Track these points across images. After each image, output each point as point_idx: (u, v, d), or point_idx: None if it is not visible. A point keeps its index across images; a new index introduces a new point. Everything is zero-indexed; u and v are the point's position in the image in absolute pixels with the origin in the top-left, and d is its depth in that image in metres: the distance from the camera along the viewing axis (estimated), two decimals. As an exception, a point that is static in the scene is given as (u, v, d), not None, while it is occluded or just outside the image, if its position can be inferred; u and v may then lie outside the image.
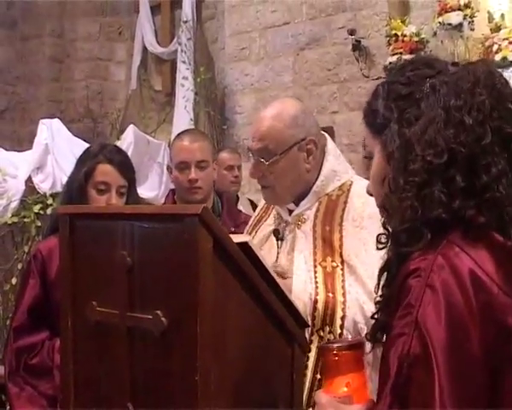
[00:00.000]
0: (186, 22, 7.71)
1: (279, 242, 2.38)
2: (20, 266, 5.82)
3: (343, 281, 2.24)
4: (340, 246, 2.28)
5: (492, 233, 1.33)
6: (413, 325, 1.28)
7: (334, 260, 2.27)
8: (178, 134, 3.40)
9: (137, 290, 1.80)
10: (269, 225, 2.48)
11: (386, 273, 1.45)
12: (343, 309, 2.20)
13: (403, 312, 1.31)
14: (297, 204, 2.40)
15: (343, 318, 2.20)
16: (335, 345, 1.60)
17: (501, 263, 1.32)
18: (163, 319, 1.71)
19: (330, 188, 2.39)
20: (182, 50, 7.65)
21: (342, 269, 2.26)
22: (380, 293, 1.47)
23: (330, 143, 2.48)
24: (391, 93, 1.52)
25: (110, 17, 8.89)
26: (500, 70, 1.46)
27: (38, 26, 8.76)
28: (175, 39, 8.01)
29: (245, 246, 1.81)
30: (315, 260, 2.29)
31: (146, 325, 1.75)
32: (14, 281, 5.84)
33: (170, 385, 1.72)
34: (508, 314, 1.29)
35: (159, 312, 1.71)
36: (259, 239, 2.46)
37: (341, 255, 2.27)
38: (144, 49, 8.42)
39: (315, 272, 2.28)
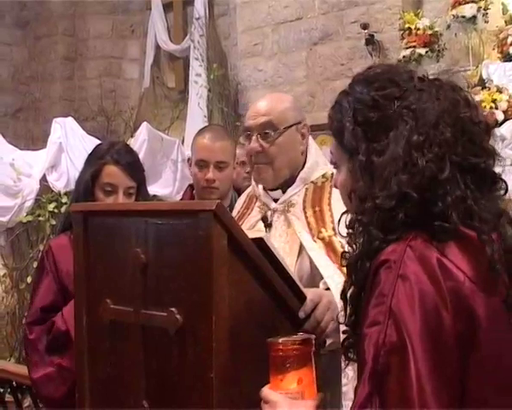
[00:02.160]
0: (198, 19, 7.70)
1: (267, 228, 2.44)
2: (35, 264, 5.82)
3: (342, 247, 2.26)
4: (332, 221, 2.35)
5: (458, 226, 1.38)
6: (387, 314, 1.32)
7: (327, 231, 2.34)
8: (201, 130, 3.36)
9: (152, 288, 1.80)
10: (253, 216, 2.53)
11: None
12: None
13: (376, 301, 1.35)
14: (284, 191, 2.47)
15: None
16: (285, 339, 1.59)
17: (467, 252, 1.37)
18: (178, 316, 1.70)
19: (314, 176, 2.48)
20: (194, 47, 7.65)
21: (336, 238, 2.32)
22: (347, 322, 1.52)
23: (310, 138, 2.58)
24: (357, 115, 1.50)
25: (122, 15, 8.90)
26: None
27: (51, 26, 8.78)
28: (187, 36, 8.01)
29: (260, 242, 1.79)
30: (313, 236, 2.35)
31: (161, 322, 1.74)
32: (29, 280, 5.86)
33: (185, 383, 1.71)
34: (474, 301, 1.33)
35: (173, 309, 1.70)
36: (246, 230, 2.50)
37: (334, 229, 2.32)
38: (157, 46, 8.42)
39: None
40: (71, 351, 2.57)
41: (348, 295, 1.52)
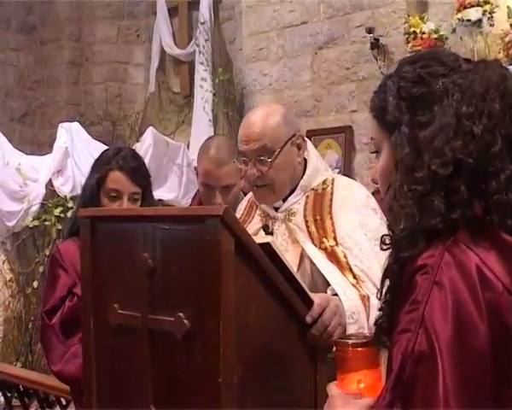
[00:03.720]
0: (203, 23, 7.70)
1: (269, 236, 2.41)
2: (41, 269, 5.85)
3: (345, 256, 2.28)
4: (333, 230, 2.34)
5: (499, 232, 1.33)
6: (419, 322, 1.27)
7: (329, 241, 2.33)
8: (206, 145, 3.15)
9: (159, 293, 1.80)
10: (255, 224, 2.53)
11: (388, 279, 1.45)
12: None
13: (409, 308, 1.31)
14: (284, 200, 2.47)
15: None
16: (350, 341, 1.59)
17: (506, 261, 1.32)
18: (185, 321, 1.70)
19: (315, 183, 2.47)
20: (200, 52, 7.65)
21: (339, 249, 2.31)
22: (383, 299, 1.47)
23: (310, 144, 2.56)
24: (401, 91, 1.48)
25: (128, 20, 8.91)
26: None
27: (57, 31, 8.80)
28: (193, 41, 8.01)
29: (267, 247, 1.80)
30: (315, 246, 2.34)
31: (168, 327, 1.75)
32: (35, 284, 5.88)
33: (192, 387, 1.71)
34: (511, 314, 1.28)
35: (181, 314, 1.71)
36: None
37: (335, 239, 2.32)
38: (162, 51, 8.42)
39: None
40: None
41: (385, 289, 1.46)
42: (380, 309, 1.49)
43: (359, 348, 1.56)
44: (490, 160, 1.33)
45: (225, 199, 3.02)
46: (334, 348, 1.64)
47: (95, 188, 2.75)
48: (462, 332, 1.25)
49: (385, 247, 1.47)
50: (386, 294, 1.45)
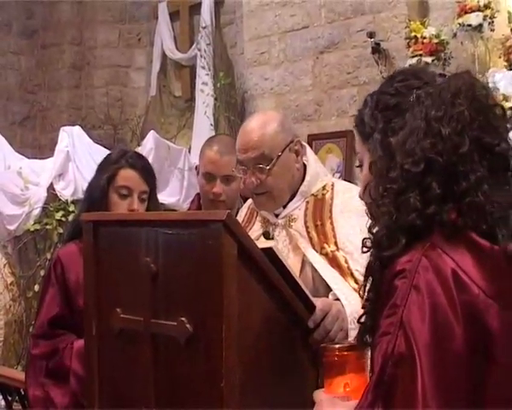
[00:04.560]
0: (205, 28, 7.71)
1: (271, 241, 2.42)
2: (42, 272, 5.85)
3: (346, 261, 2.29)
4: (334, 235, 2.35)
5: (473, 236, 1.37)
6: (398, 325, 1.31)
7: (330, 246, 2.33)
8: (210, 140, 3.30)
9: (162, 297, 1.80)
10: (255, 230, 2.53)
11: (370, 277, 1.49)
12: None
13: (388, 312, 1.35)
14: (284, 206, 2.47)
15: None
16: (337, 345, 1.63)
17: (481, 265, 1.35)
18: (188, 325, 1.70)
19: (315, 188, 2.48)
20: (201, 56, 7.66)
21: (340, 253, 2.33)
22: (365, 296, 1.50)
23: (308, 149, 2.57)
24: (379, 103, 1.59)
25: (129, 24, 8.92)
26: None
27: (58, 35, 8.81)
28: (194, 45, 8.02)
29: (269, 251, 1.80)
30: (316, 252, 2.35)
31: (170, 331, 1.75)
32: (36, 288, 5.88)
33: (195, 392, 1.72)
34: (488, 315, 1.32)
35: (183, 318, 1.71)
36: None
37: (336, 244, 2.33)
38: (163, 55, 8.43)
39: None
40: (65, 387, 2.59)
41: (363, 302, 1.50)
42: (362, 307, 1.53)
43: (345, 352, 1.59)
44: (459, 160, 1.38)
45: (225, 190, 3.06)
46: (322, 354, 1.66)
47: (105, 187, 2.73)
48: (439, 334, 1.29)
49: (365, 249, 1.52)
50: (368, 292, 1.49)
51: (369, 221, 1.53)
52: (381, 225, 1.45)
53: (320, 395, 1.58)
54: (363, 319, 1.51)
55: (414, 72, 1.64)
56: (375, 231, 1.48)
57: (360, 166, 1.66)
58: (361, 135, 1.63)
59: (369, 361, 1.57)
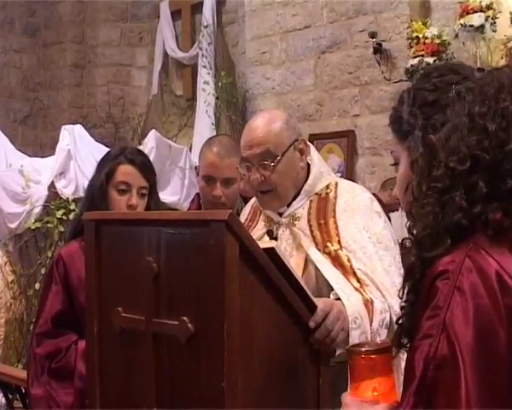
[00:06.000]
0: (207, 27, 7.73)
1: (273, 241, 2.42)
2: (43, 271, 5.85)
3: (349, 260, 2.29)
4: (337, 234, 2.35)
5: None
6: (440, 327, 1.27)
7: (333, 245, 2.34)
8: (210, 141, 3.27)
9: (164, 296, 1.80)
10: (259, 229, 2.53)
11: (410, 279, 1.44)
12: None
13: (430, 313, 1.30)
14: (288, 205, 2.48)
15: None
16: (363, 348, 1.59)
17: None
18: (189, 325, 1.70)
19: (318, 187, 2.48)
20: (203, 55, 7.67)
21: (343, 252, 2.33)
22: (405, 298, 1.46)
23: (312, 148, 2.58)
24: (416, 99, 1.54)
25: (131, 23, 8.93)
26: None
27: (60, 33, 8.83)
28: (196, 44, 8.03)
29: (271, 251, 1.80)
30: (319, 251, 2.35)
31: (172, 331, 1.75)
32: (37, 286, 5.88)
33: (196, 392, 1.72)
34: None
35: (185, 318, 1.71)
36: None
37: (339, 242, 2.33)
38: (165, 54, 8.44)
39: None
40: (69, 387, 2.59)
41: (402, 303, 1.46)
42: (401, 308, 1.48)
43: (373, 356, 1.56)
44: (505, 157, 1.34)
45: (225, 192, 3.05)
46: (348, 357, 1.63)
47: (104, 182, 2.72)
48: (483, 337, 1.25)
49: (406, 250, 1.49)
50: (408, 293, 1.44)
51: (408, 222, 1.48)
52: (423, 224, 1.39)
53: (347, 398, 1.53)
54: (401, 321, 1.46)
55: (451, 67, 1.60)
56: (415, 231, 1.43)
57: (395, 164, 1.62)
58: (397, 133, 1.59)
59: (402, 363, 1.54)
